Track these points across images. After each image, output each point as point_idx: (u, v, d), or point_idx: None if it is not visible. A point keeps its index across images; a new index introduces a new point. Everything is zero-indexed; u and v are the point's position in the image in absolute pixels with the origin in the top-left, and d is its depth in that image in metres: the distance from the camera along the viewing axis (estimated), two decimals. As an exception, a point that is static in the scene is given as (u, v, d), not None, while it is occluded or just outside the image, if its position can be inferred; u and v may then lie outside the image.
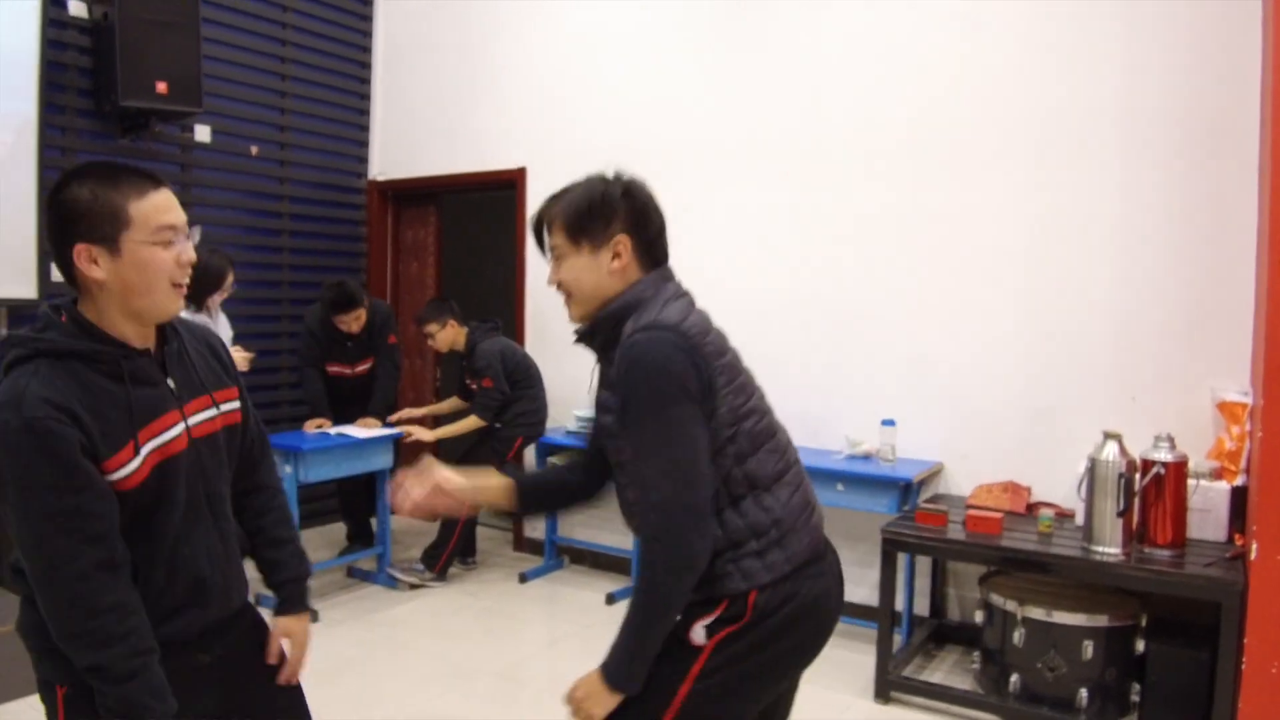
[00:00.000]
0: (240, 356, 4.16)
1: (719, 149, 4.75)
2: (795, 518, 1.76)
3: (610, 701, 1.69)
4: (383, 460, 4.72)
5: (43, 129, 4.36)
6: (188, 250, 1.61)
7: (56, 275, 4.38)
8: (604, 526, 5.18)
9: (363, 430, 4.65)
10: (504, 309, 5.52)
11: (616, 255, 1.77)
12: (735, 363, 1.78)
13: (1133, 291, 3.81)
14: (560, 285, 1.83)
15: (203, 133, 5.16)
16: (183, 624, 1.66)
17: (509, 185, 5.52)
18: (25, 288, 4.34)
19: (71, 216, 1.52)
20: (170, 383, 1.66)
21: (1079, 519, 3.63)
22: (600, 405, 1.82)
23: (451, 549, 4.77)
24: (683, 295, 1.81)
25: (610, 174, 1.84)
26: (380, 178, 6.11)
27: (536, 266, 5.45)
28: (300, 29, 5.65)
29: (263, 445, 1.92)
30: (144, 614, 1.56)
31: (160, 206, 1.56)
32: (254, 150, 5.45)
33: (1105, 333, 3.87)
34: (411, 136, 5.97)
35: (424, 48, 5.91)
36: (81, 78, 4.65)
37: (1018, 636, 3.45)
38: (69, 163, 4.62)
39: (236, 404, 1.79)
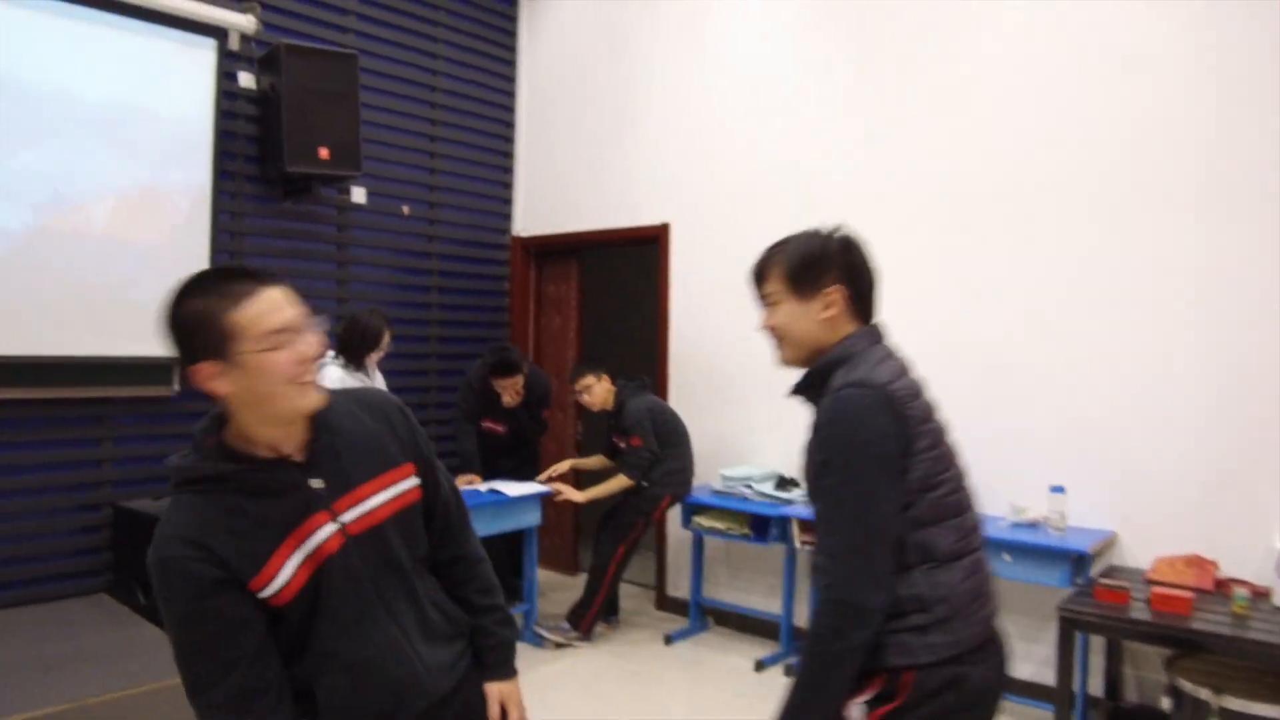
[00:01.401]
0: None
1: (868, 199, 4.64)
2: (965, 604, 1.71)
3: None
4: (531, 518, 4.74)
5: (216, 195, 4.58)
6: (306, 344, 1.54)
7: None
8: (750, 589, 5.07)
9: (514, 487, 4.67)
10: (645, 365, 5.51)
11: (829, 305, 1.83)
12: (938, 432, 1.79)
13: (1334, 353, 3.52)
14: (772, 330, 1.90)
15: (358, 194, 5.35)
16: None
17: (651, 241, 5.53)
18: (197, 347, 4.54)
19: (184, 336, 1.50)
20: (315, 483, 1.60)
21: (1277, 599, 3.37)
22: (808, 449, 1.82)
23: (598, 607, 4.74)
24: (893, 357, 1.83)
25: (829, 229, 1.90)
26: (523, 234, 6.22)
27: (680, 322, 5.43)
28: (449, 92, 5.83)
29: (460, 514, 1.88)
30: None
31: (264, 310, 1.50)
32: (405, 210, 5.61)
33: (1298, 392, 3.59)
34: (554, 193, 6.06)
35: (566, 107, 6.01)
36: (249, 146, 4.88)
37: (1214, 728, 3.18)
38: (238, 227, 4.85)
39: (410, 483, 1.73)
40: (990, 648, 1.76)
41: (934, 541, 1.70)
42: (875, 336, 1.87)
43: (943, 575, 1.70)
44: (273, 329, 1.49)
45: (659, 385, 5.44)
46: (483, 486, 4.71)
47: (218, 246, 4.62)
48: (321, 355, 1.60)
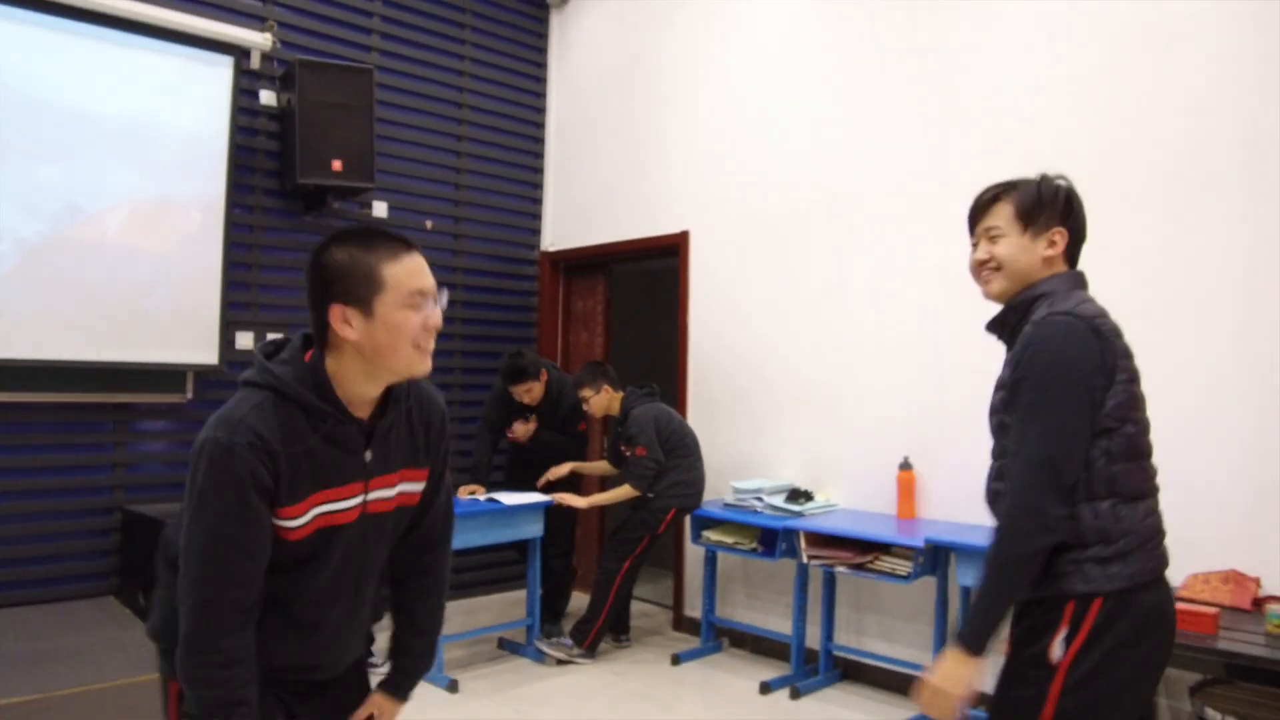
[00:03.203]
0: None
1: (890, 204, 4.41)
2: (1147, 538, 1.80)
3: (966, 672, 1.75)
4: (533, 529, 4.61)
5: (229, 208, 4.68)
6: (435, 314, 1.63)
7: (241, 343, 4.65)
8: (767, 610, 4.81)
9: (512, 497, 4.57)
10: (669, 375, 5.36)
11: (1052, 243, 1.94)
12: (1136, 373, 1.87)
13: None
14: (992, 260, 1.97)
15: (380, 208, 5.40)
16: (287, 679, 1.69)
17: (672, 251, 5.41)
18: (209, 355, 4.63)
19: (330, 278, 1.57)
20: (368, 455, 1.65)
21: (1321, 618, 2.97)
22: (998, 384, 1.93)
23: (601, 624, 4.56)
24: (1094, 300, 1.90)
25: (1054, 176, 1.98)
26: (551, 248, 6.18)
27: (698, 332, 5.28)
28: (475, 108, 5.86)
29: (445, 529, 1.90)
30: (250, 664, 1.56)
31: (412, 271, 1.60)
32: (428, 224, 5.64)
33: (1350, 391, 3.19)
34: (582, 206, 6.01)
35: (595, 120, 5.97)
36: (268, 160, 4.99)
37: (1239, 761, 2.80)
38: (255, 239, 4.94)
39: (419, 485, 1.78)
40: (1163, 582, 1.84)
41: (1124, 477, 1.78)
42: (1080, 281, 1.96)
43: (1126, 511, 1.78)
44: (416, 289, 1.59)
45: (678, 396, 5.28)
46: (483, 496, 4.61)
47: (232, 258, 4.71)
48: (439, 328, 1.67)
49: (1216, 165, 3.47)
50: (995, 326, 2.01)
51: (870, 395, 4.45)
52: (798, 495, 4.44)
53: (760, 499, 4.45)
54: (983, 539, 3.62)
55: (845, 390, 4.56)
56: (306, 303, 1.61)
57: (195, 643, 1.52)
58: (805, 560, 4.14)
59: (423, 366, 1.63)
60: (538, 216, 6.21)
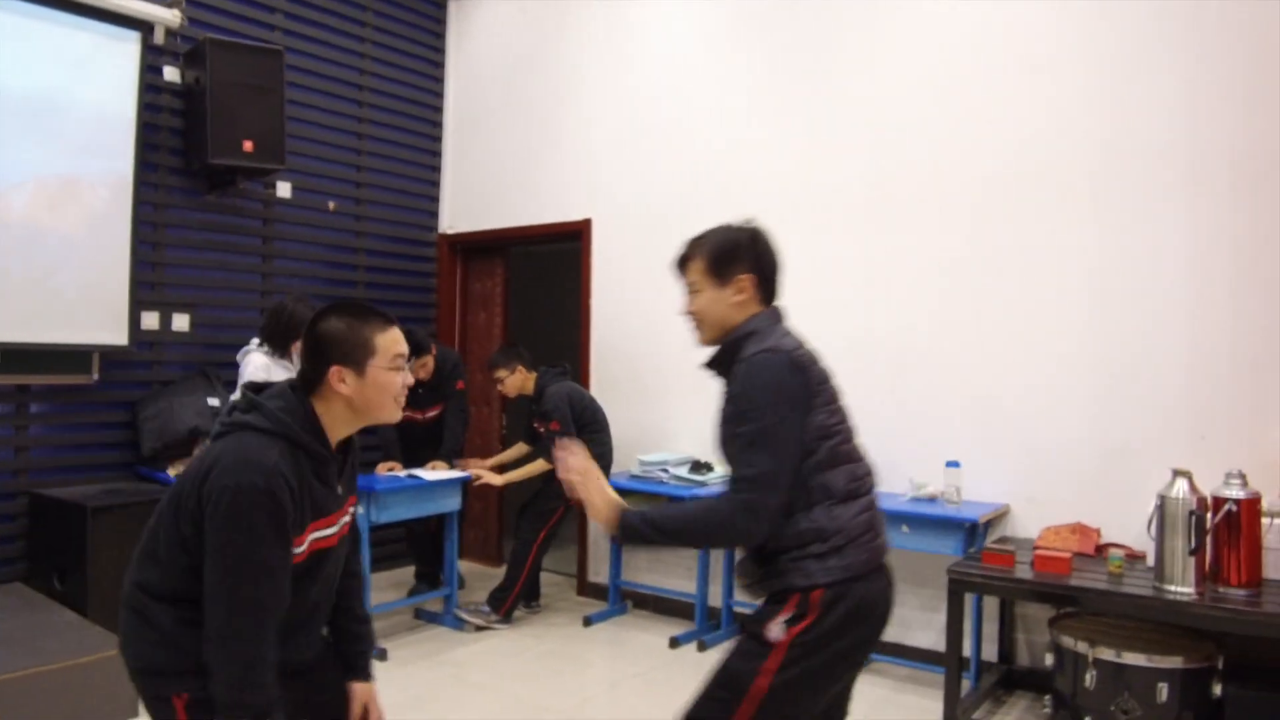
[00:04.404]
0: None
1: (781, 195, 4.83)
2: (858, 534, 2.01)
3: (601, 513, 2.04)
4: (451, 502, 4.83)
5: (138, 186, 4.63)
6: (408, 376, 2.02)
7: (146, 324, 4.61)
8: (669, 572, 5.20)
9: (433, 473, 4.76)
10: (569, 357, 5.64)
11: (741, 289, 2.13)
12: (834, 392, 2.10)
13: (1201, 330, 3.78)
14: (693, 314, 2.19)
15: (284, 189, 5.42)
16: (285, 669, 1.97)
17: (574, 236, 5.68)
18: (118, 335, 4.58)
19: (330, 343, 1.91)
20: (339, 488, 1.99)
21: (1150, 561, 3.59)
22: (722, 418, 2.09)
23: (518, 592, 4.83)
24: (792, 333, 2.13)
25: (742, 222, 2.23)
26: (450, 231, 6.33)
27: (601, 315, 5.58)
28: (376, 90, 5.93)
29: (357, 537, 2.27)
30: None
31: (396, 339, 1.97)
32: (331, 206, 5.69)
33: (1174, 371, 3.84)
34: (480, 191, 6.19)
35: (493, 105, 6.15)
36: (173, 138, 4.94)
37: (1089, 679, 3.38)
38: (160, 218, 4.90)
39: (355, 508, 2.15)
40: (881, 571, 2.07)
41: (831, 483, 2.00)
42: (777, 316, 2.16)
43: (839, 510, 2.00)
44: (398, 354, 1.97)
45: (582, 375, 5.57)
46: (402, 473, 4.78)
47: (139, 237, 4.66)
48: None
49: (1073, 170, 4.06)
50: (713, 365, 2.19)
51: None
52: (700, 466, 4.84)
53: (666, 470, 4.82)
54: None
55: (741, 370, 4.97)
56: (305, 359, 1.96)
57: (251, 657, 1.77)
58: (712, 525, 4.53)
59: (398, 415, 2.01)
60: (436, 199, 6.34)
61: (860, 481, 2.07)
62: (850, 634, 1.99)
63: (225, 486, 1.75)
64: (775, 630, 1.96)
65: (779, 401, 1.96)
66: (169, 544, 1.84)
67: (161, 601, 1.84)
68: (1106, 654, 3.37)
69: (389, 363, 1.94)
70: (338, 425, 1.95)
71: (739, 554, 2.17)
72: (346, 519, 2.06)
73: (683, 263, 2.21)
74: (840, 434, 2.05)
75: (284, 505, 1.78)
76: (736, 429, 1.99)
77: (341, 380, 1.90)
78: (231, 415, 1.90)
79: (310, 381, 1.93)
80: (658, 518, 2.01)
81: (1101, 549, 3.81)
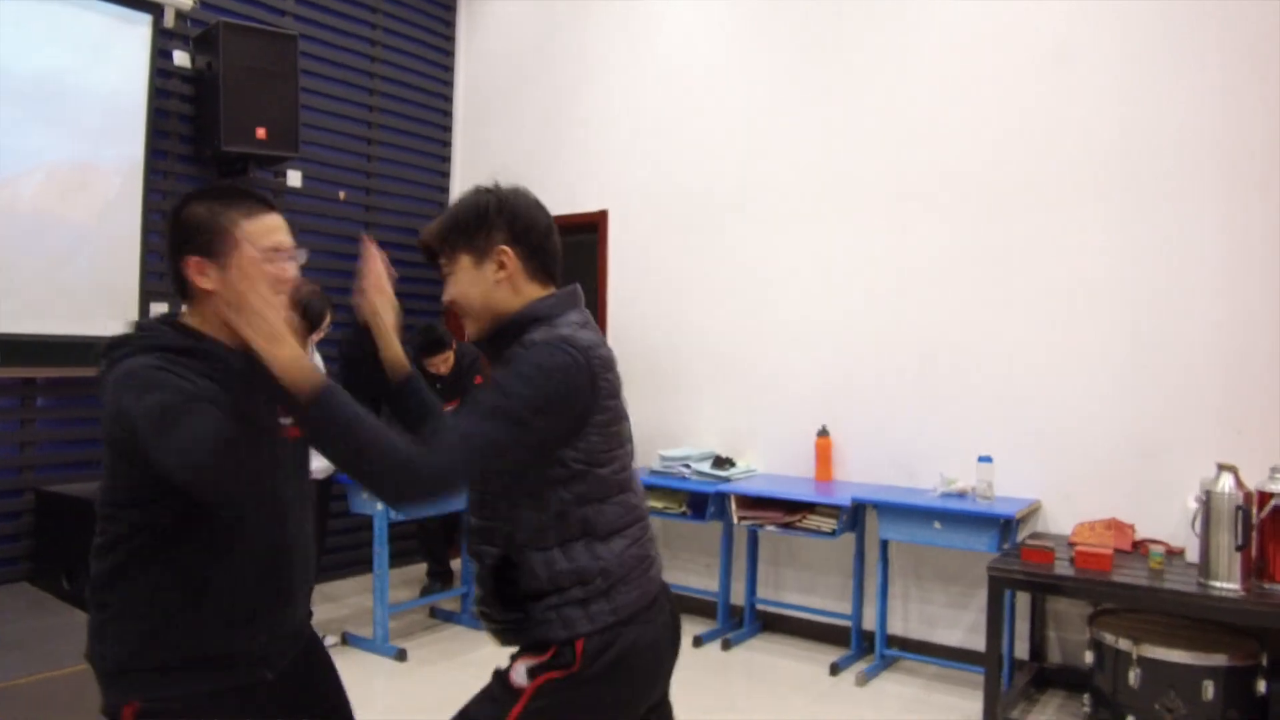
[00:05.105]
0: None
1: (804, 188, 4.77)
2: (628, 570, 1.70)
3: (276, 352, 1.48)
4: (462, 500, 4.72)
5: (148, 174, 4.51)
6: (289, 270, 1.71)
7: (156, 312, 4.49)
8: (688, 570, 5.14)
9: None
10: (583, 350, 5.56)
11: (501, 265, 1.73)
12: (618, 409, 1.74)
13: (1238, 323, 3.74)
14: (452, 303, 1.78)
15: (294, 178, 5.31)
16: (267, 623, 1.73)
17: (590, 228, 5.60)
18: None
19: (188, 231, 1.64)
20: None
21: (1189, 556, 3.56)
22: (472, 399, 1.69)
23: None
24: (590, 324, 1.76)
25: (491, 184, 1.80)
26: (460, 223, 6.22)
27: (617, 307, 5.50)
28: (387, 79, 5.83)
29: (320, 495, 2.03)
30: None
31: (270, 227, 1.69)
32: (341, 195, 5.58)
33: (1208, 365, 3.80)
34: (491, 181, 6.07)
35: (504, 95, 6.06)
36: (183, 124, 4.81)
37: (1133, 677, 3.35)
38: (170, 206, 4.76)
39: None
40: (656, 606, 1.76)
41: (597, 517, 1.67)
42: (573, 301, 1.77)
43: (603, 549, 1.68)
44: (272, 245, 1.68)
45: (597, 371, 5.48)
46: (422, 467, 4.68)
47: (149, 226, 4.54)
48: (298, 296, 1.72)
49: (1105, 162, 4.01)
50: (485, 348, 1.81)
51: (786, 369, 4.82)
52: (722, 462, 4.77)
53: (688, 466, 4.75)
54: (896, 497, 4.11)
55: (761, 364, 4.92)
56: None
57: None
58: (736, 521, 4.48)
59: (279, 314, 1.65)
60: (446, 190, 6.24)
61: (634, 511, 1.75)
62: (618, 685, 1.68)
63: (130, 405, 1.50)
64: (519, 674, 1.66)
65: (551, 397, 1.58)
66: (108, 518, 1.64)
67: (110, 586, 1.62)
68: (1152, 651, 3.33)
69: (259, 254, 1.64)
70: (219, 329, 1.65)
71: (477, 590, 1.78)
72: (287, 419, 1.74)
73: (429, 245, 1.80)
74: (616, 460, 1.71)
75: (195, 384, 1.52)
76: (489, 393, 1.59)
77: (202, 274, 1.63)
78: (106, 355, 1.63)
79: (178, 284, 1.67)
80: (338, 414, 1.49)
81: (1138, 545, 3.78)
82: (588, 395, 1.63)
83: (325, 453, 1.55)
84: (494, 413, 1.56)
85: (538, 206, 1.80)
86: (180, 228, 1.65)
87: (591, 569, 1.66)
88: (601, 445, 1.68)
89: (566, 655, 1.64)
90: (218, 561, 1.63)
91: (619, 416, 1.74)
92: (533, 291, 1.75)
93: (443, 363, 4.89)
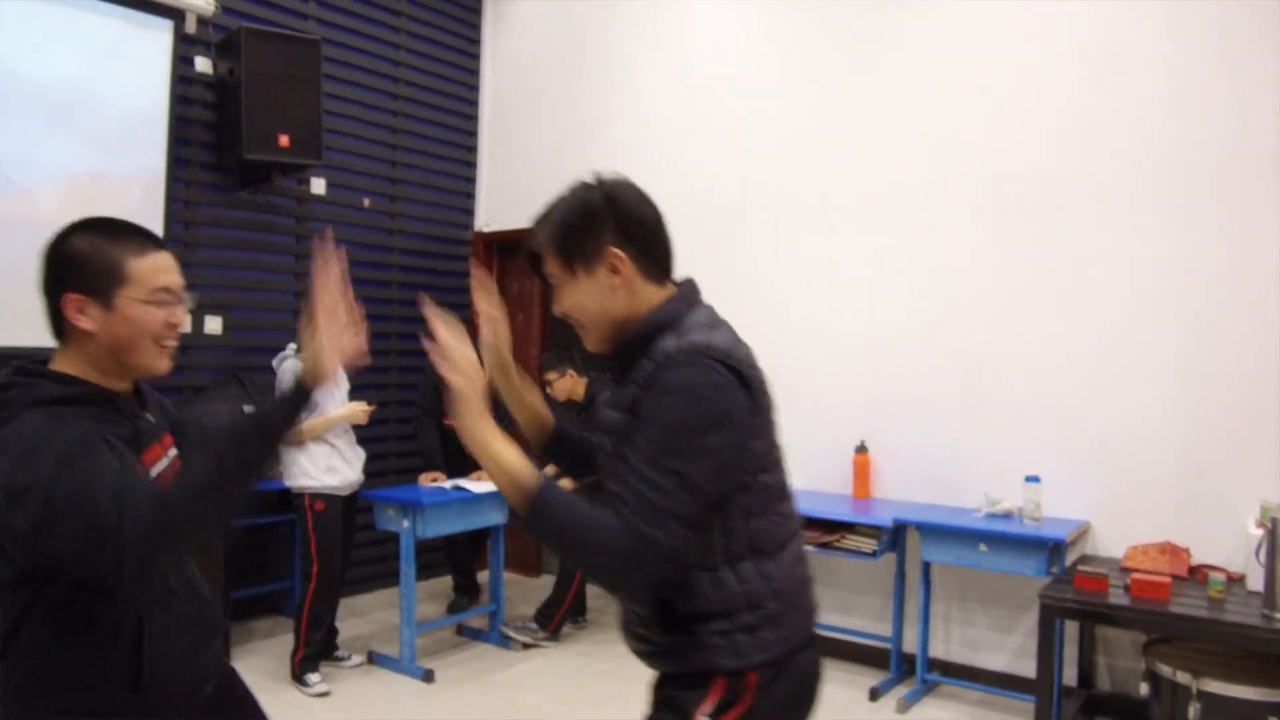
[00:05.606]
0: (360, 409, 4.12)
1: (841, 196, 4.63)
2: (799, 594, 1.58)
3: (507, 462, 1.45)
4: (497, 515, 4.63)
5: (170, 183, 4.42)
6: (178, 313, 1.61)
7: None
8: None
9: (479, 484, 4.56)
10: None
11: (614, 270, 1.56)
12: (771, 403, 1.59)
13: (1302, 340, 3.58)
14: (567, 316, 1.64)
15: (318, 185, 5.21)
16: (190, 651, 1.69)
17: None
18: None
19: (68, 266, 1.52)
20: (149, 416, 1.66)
21: (1250, 583, 3.40)
22: (614, 420, 1.58)
23: (566, 608, 4.64)
24: (720, 321, 1.60)
25: (593, 179, 1.62)
26: (486, 229, 6.12)
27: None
28: (411, 84, 5.72)
29: None
30: None
31: (159, 267, 1.57)
32: (366, 203, 5.48)
33: (1266, 383, 3.63)
34: (517, 187, 5.98)
35: (529, 100, 5.94)
36: (204, 132, 4.73)
37: (1193, 712, 3.19)
38: (193, 216, 4.68)
39: (174, 451, 1.73)
40: (814, 635, 1.64)
41: (763, 531, 1.53)
42: (693, 298, 1.63)
43: (773, 568, 1.53)
44: (160, 286, 1.56)
45: (626, 382, 5.36)
46: (447, 484, 4.58)
47: (171, 236, 4.45)
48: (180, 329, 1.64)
49: (1160, 173, 3.84)
50: (614, 368, 1.66)
51: (823, 381, 4.67)
52: (757, 477, 4.63)
53: (721, 482, 4.62)
54: (938, 517, 3.96)
55: (797, 377, 4.76)
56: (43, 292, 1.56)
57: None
58: (772, 540, 4.34)
59: (162, 365, 1.61)
60: (471, 196, 6.13)
61: (793, 521, 1.60)
62: (793, 708, 1.59)
63: (15, 478, 1.40)
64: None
65: (721, 420, 1.43)
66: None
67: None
68: (1213, 686, 3.17)
69: (147, 295, 1.53)
70: (95, 374, 1.55)
71: (623, 609, 1.64)
72: (170, 454, 1.68)
73: (534, 254, 1.63)
74: (775, 464, 1.57)
75: (98, 443, 1.44)
76: (650, 435, 1.44)
77: (81, 313, 1.51)
78: None
79: (55, 324, 1.55)
80: (564, 501, 1.44)
81: (1194, 570, 3.62)
82: (745, 393, 1.48)
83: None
84: (677, 452, 1.41)
85: (645, 198, 1.62)
86: (59, 262, 1.53)
87: (763, 592, 1.52)
88: (765, 447, 1.55)
89: (737, 690, 1.51)
90: (151, 605, 1.59)
91: (771, 412, 1.59)
92: (650, 293, 1.59)
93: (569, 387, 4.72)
